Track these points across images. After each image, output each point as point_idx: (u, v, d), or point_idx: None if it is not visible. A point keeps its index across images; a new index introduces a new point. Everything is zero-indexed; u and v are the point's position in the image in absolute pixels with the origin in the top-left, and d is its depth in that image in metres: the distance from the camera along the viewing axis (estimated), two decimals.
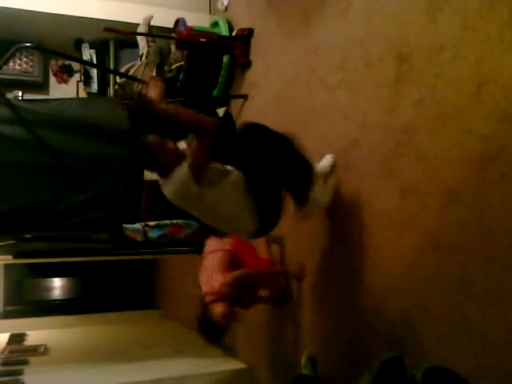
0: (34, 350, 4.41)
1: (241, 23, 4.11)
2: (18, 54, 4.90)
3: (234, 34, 4.08)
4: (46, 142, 2.93)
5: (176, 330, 5.55)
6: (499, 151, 1.73)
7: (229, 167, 2.51)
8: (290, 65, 3.29)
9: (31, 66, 5.05)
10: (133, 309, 6.88)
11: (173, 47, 4.36)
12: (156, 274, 7.19)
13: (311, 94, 3.01)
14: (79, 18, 4.47)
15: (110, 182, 2.99)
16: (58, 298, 7.41)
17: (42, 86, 5.18)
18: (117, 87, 4.62)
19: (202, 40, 3.99)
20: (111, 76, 4.88)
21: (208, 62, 4.11)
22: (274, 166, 2.45)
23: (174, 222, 4.12)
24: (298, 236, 3.06)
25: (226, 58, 4.08)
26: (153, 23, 4.35)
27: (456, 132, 1.92)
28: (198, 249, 4.30)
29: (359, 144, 2.52)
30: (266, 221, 2.56)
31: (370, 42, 2.47)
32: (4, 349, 4.44)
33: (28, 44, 3.31)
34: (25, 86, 5.01)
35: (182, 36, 4.00)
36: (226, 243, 3.01)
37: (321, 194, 2.62)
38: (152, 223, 4.04)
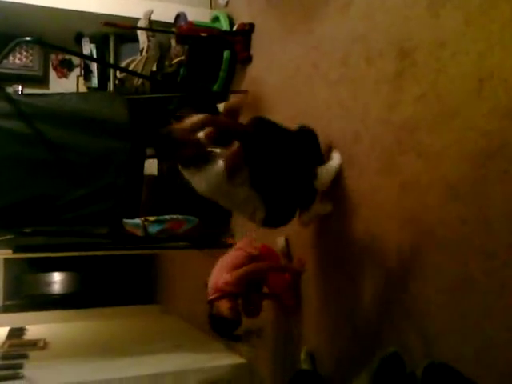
0: (34, 345, 4.42)
1: (241, 18, 4.09)
2: (17, 48, 4.89)
3: (234, 28, 4.06)
4: (45, 137, 2.92)
5: (175, 324, 5.56)
6: (501, 147, 1.72)
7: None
8: (291, 60, 3.28)
9: (31, 61, 5.04)
10: (132, 303, 6.89)
11: (173, 42, 4.35)
12: (156, 269, 7.20)
13: (312, 89, 3.00)
14: (79, 12, 4.45)
15: (110, 177, 2.98)
16: (58, 292, 7.42)
17: (42, 81, 5.17)
18: (117, 82, 4.61)
19: (203, 35, 3.98)
20: (111, 70, 4.87)
21: (208, 56, 4.10)
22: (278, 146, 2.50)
23: (174, 217, 4.12)
24: (298, 231, 3.06)
25: (226, 53, 4.07)
26: (153, 18, 4.33)
27: (457, 128, 1.91)
28: (197, 244, 4.31)
29: (360, 139, 2.51)
30: (274, 213, 2.57)
31: (371, 38, 2.46)
32: (4, 343, 4.45)
33: (28, 38, 3.28)
34: (25, 80, 5.00)
35: (182, 31, 3.99)
36: (253, 246, 3.01)
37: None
38: (152, 218, 4.04)
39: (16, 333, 5.03)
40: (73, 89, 5.15)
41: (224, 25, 4.13)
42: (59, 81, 5.22)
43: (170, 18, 4.41)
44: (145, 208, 3.92)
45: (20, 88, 4.87)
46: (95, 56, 4.91)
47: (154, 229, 4.02)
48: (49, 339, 4.57)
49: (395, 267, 2.24)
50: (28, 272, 7.13)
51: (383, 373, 1.74)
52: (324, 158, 2.68)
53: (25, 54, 5.03)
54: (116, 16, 4.41)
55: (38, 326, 5.51)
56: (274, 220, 2.58)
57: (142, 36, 4.41)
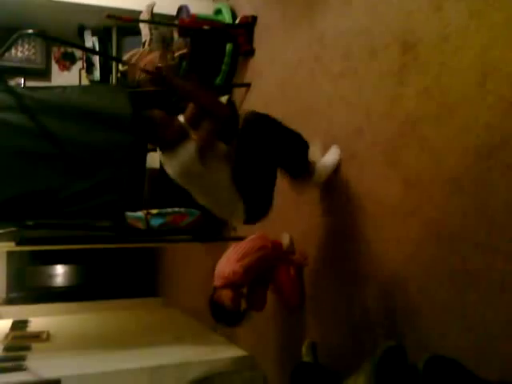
0: (37, 337, 4.44)
1: (244, 11, 4.08)
2: (20, 41, 4.89)
3: (237, 21, 4.05)
4: (48, 129, 2.92)
5: (177, 317, 5.58)
6: (504, 141, 1.72)
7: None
8: (294, 53, 3.27)
9: (33, 54, 5.04)
10: (134, 296, 6.91)
11: (175, 35, 4.34)
12: (158, 262, 7.22)
13: (315, 82, 2.99)
14: (82, 5, 4.44)
15: (113, 170, 2.98)
16: (61, 285, 7.45)
17: (44, 74, 5.17)
18: (119, 75, 4.60)
19: (205, 28, 3.97)
20: (113, 63, 4.86)
21: (211, 49, 4.09)
22: (272, 147, 2.52)
23: (176, 210, 4.13)
24: (300, 224, 3.07)
25: (229, 46, 4.06)
26: (155, 10, 4.32)
27: (460, 121, 1.91)
28: (199, 237, 4.32)
29: (363, 133, 2.51)
30: (254, 210, 2.60)
31: (374, 31, 2.46)
32: (7, 335, 4.47)
33: (30, 31, 3.29)
34: (27, 73, 5.00)
35: (184, 23, 3.98)
36: (267, 239, 3.01)
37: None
38: (154, 211, 4.05)
39: (19, 325, 5.05)
40: (75, 82, 5.15)
41: (226, 18, 4.12)
42: (61, 74, 5.22)
43: (172, 10, 4.40)
44: (147, 201, 3.93)
45: (22, 81, 4.87)
46: (97, 49, 4.91)
47: (156, 222, 4.03)
48: (52, 331, 4.58)
49: (397, 260, 2.24)
50: (31, 264, 7.15)
51: (385, 364, 1.75)
52: (308, 168, 2.69)
53: (27, 46, 5.03)
54: (118, 9, 4.40)
55: (40, 318, 5.53)
56: (255, 215, 2.62)
57: (144, 29, 4.41)
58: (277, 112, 2.69)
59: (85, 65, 5.12)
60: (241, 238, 3.18)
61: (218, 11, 4.28)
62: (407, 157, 2.19)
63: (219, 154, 2.53)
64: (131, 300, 6.79)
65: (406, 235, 2.18)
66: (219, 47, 4.08)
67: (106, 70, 4.96)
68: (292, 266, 3.07)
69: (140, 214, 3.98)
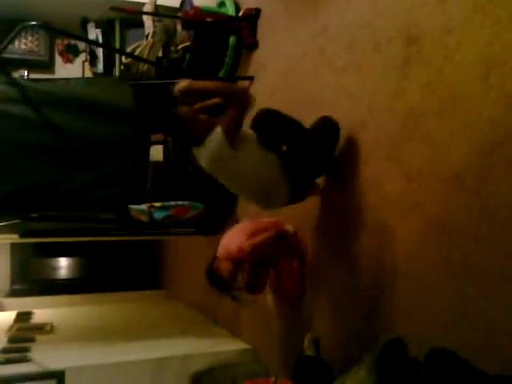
0: (41, 328, 4.47)
1: (247, 3, 4.06)
2: (23, 34, 4.89)
3: (240, 14, 4.04)
4: (51, 122, 2.92)
5: (180, 310, 5.60)
6: (507, 136, 1.71)
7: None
8: (298, 46, 3.26)
9: (37, 46, 5.04)
10: (137, 289, 6.95)
11: (179, 27, 4.33)
12: (161, 255, 7.24)
13: (318, 75, 2.98)
14: None
15: (116, 163, 2.99)
16: (64, 277, 7.49)
17: (48, 66, 5.17)
18: (122, 67, 4.60)
19: (209, 20, 3.96)
20: (117, 56, 4.86)
21: (214, 42, 4.08)
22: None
23: (180, 203, 4.14)
24: (303, 217, 3.07)
25: (232, 39, 4.05)
26: (159, 2, 4.32)
27: (463, 116, 1.90)
28: (203, 230, 4.33)
29: (366, 126, 2.50)
30: (299, 193, 2.59)
31: (378, 24, 2.44)
32: (11, 326, 4.50)
33: (33, 23, 3.28)
34: (30, 65, 5.00)
35: (188, 16, 3.96)
36: (280, 225, 2.99)
37: None
38: (157, 204, 4.06)
39: (23, 317, 5.08)
40: (78, 74, 5.15)
41: (230, 10, 4.10)
42: (65, 66, 5.21)
43: (175, 2, 4.39)
44: (150, 194, 3.94)
45: (26, 73, 4.87)
46: (101, 41, 4.90)
47: (159, 215, 4.05)
48: (55, 323, 4.61)
49: (398, 254, 2.24)
50: (35, 257, 7.19)
51: (386, 357, 1.75)
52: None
53: (30, 39, 5.03)
54: (122, 1, 4.38)
55: (44, 310, 5.56)
56: (297, 197, 2.61)
57: (147, 21, 4.40)
58: (280, 104, 2.68)
59: (88, 57, 5.11)
60: None
61: (222, 3, 4.26)
62: (410, 151, 2.19)
63: (249, 138, 2.50)
64: (134, 292, 6.83)
65: (408, 229, 2.18)
66: (223, 40, 4.07)
67: (109, 63, 4.95)
68: (296, 258, 3.07)
69: (143, 206, 4.00)
